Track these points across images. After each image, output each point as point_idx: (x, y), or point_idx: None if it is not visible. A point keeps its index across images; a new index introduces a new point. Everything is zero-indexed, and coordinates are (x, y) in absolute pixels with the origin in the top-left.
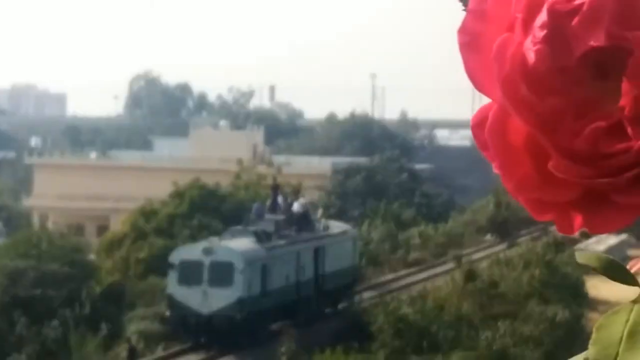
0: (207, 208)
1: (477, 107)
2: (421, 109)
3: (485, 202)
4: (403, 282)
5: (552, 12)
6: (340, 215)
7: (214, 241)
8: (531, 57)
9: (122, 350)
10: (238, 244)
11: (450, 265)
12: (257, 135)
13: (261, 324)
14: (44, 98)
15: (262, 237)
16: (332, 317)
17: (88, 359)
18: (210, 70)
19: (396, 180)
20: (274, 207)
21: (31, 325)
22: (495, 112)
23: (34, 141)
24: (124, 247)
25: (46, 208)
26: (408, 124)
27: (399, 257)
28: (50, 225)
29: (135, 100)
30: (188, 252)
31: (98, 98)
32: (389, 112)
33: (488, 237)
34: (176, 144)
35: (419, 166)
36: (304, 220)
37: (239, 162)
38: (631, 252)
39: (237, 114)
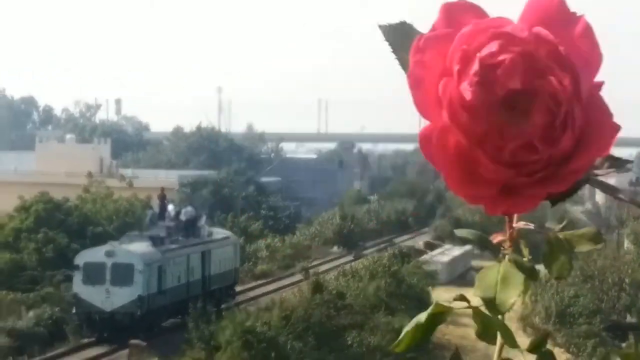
0: (53, 222)
1: (322, 121)
2: (268, 123)
3: (331, 215)
4: (251, 294)
5: (482, 64)
6: None
7: (115, 245)
8: (468, 94)
9: None
10: (137, 247)
11: (297, 277)
12: (104, 149)
13: (157, 320)
14: None
15: (156, 241)
16: (180, 329)
17: None
18: (55, 83)
19: (243, 193)
20: (163, 215)
21: None
22: (438, 133)
23: None
24: None
25: None
26: (255, 137)
27: (246, 270)
28: None
29: None
30: (92, 254)
31: None
32: (235, 125)
33: (335, 249)
34: (22, 158)
35: (266, 179)
36: (191, 227)
37: (89, 175)
38: (474, 262)
39: (84, 127)
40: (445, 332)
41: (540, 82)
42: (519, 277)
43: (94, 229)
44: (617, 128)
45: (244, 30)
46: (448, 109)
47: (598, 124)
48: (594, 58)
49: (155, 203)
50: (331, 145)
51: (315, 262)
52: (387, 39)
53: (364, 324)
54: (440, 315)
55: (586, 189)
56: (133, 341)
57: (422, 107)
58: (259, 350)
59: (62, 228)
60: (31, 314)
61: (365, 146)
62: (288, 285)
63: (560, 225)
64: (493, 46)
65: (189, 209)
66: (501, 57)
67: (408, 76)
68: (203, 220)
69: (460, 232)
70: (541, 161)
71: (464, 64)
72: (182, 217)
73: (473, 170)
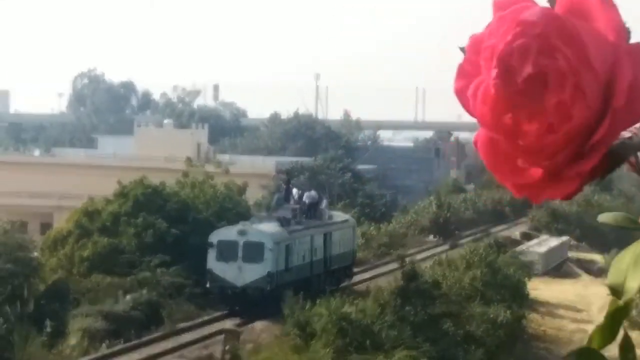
0: (152, 206)
1: (419, 109)
2: (365, 110)
3: (427, 203)
4: (347, 282)
5: (499, 58)
6: None
7: (246, 224)
8: (491, 90)
9: (66, 348)
10: (266, 227)
11: (393, 265)
12: (202, 134)
13: (284, 296)
14: None
15: (283, 222)
16: (279, 315)
17: (32, 356)
18: (154, 68)
19: (340, 180)
20: (288, 198)
21: None
22: (483, 132)
23: None
24: (68, 245)
25: None
26: (351, 124)
27: None
28: None
29: (79, 97)
30: (225, 233)
31: (42, 95)
32: (332, 112)
33: (431, 237)
34: (121, 142)
35: (362, 167)
36: (313, 209)
37: (187, 160)
38: (571, 253)
39: (182, 112)
40: (541, 323)
41: (548, 61)
42: None
43: (196, 214)
44: None
45: (341, 17)
46: (477, 113)
47: (630, 87)
48: (613, 23)
49: (281, 187)
50: (428, 134)
51: (411, 251)
52: None
53: (460, 313)
54: (624, 309)
55: None
56: (227, 327)
57: (471, 112)
58: (353, 337)
59: (161, 213)
60: (128, 297)
61: (462, 135)
62: (384, 273)
63: None
64: (509, 36)
65: (312, 192)
66: (514, 45)
67: (454, 82)
68: (324, 204)
69: (603, 217)
70: (559, 140)
71: (490, 59)
72: (306, 200)
73: (513, 162)
